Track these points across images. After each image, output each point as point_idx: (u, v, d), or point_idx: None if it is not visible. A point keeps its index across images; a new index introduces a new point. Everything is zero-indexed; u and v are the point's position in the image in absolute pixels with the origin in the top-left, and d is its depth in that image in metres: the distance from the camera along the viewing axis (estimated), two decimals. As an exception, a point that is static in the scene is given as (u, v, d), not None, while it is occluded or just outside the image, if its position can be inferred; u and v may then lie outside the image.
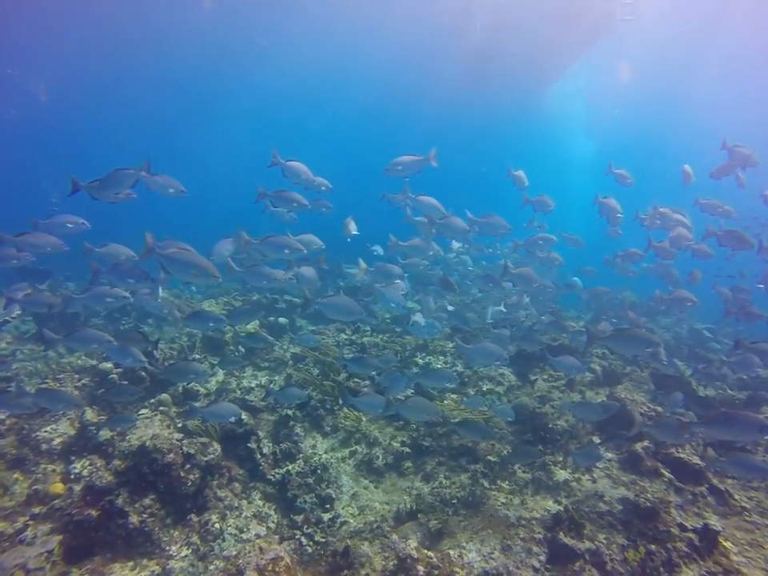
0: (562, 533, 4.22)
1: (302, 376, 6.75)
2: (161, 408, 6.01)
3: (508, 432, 6.05)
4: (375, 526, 4.52)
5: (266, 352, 7.79)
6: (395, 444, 5.88)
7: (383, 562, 3.88)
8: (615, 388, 6.38)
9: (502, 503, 4.83)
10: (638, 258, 8.08)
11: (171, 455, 4.66)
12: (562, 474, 5.25)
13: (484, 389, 7.11)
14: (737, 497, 4.95)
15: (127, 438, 4.99)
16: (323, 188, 6.06)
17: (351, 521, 4.88)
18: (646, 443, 5.31)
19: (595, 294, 9.31)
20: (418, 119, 36.32)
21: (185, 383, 6.27)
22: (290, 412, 6.02)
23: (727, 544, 4.35)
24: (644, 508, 4.50)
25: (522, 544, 4.14)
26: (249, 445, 5.46)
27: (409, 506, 4.83)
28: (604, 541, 4.28)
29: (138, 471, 4.57)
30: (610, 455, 5.45)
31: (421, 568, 3.73)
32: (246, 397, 6.41)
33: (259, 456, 5.43)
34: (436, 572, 3.72)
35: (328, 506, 5.07)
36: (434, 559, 3.86)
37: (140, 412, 5.88)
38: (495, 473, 5.34)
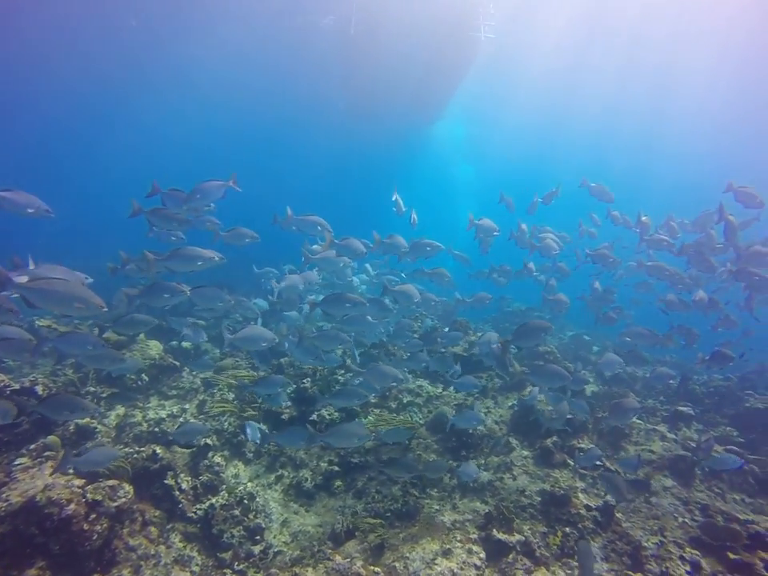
0: (494, 529, 4.51)
1: (218, 405, 6.29)
2: (46, 453, 5.12)
3: (432, 441, 6.30)
4: (316, 549, 4.36)
5: (173, 379, 7.11)
6: (323, 464, 5.75)
7: (330, 586, 3.77)
8: (523, 391, 7.05)
9: (436, 510, 5.01)
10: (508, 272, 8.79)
11: (72, 506, 3.99)
12: (485, 476, 5.60)
13: (404, 401, 7.31)
14: (626, 475, 5.76)
15: (3, 496, 4.15)
16: (206, 208, 5.70)
17: (285, 549, 4.65)
18: (554, 438, 5.93)
19: (478, 299, 9.49)
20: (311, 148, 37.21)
21: (68, 419, 5.40)
22: (208, 441, 5.56)
23: (618, 515, 5.05)
24: (558, 496, 5.02)
25: (461, 546, 4.33)
26: (165, 481, 4.92)
27: (345, 525, 4.75)
28: (529, 531, 4.68)
29: (20, 536, 3.81)
30: (525, 453, 5.97)
31: (370, 584, 3.70)
32: (157, 429, 5.77)
33: (178, 493, 4.92)
34: (385, 586, 3.71)
35: (258, 537, 4.78)
36: (382, 574, 3.85)
37: (16, 462, 4.93)
38: (424, 482, 5.50)
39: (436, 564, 4.08)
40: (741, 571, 4.22)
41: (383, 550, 4.43)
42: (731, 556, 4.40)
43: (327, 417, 6.19)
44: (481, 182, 47.43)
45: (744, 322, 8.52)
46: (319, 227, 5.74)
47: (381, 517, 4.89)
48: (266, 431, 5.82)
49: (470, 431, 6.17)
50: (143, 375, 7.06)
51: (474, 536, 4.53)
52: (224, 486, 5.17)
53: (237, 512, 4.88)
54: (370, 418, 6.59)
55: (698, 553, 4.58)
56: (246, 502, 5.01)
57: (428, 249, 6.03)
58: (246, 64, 25.06)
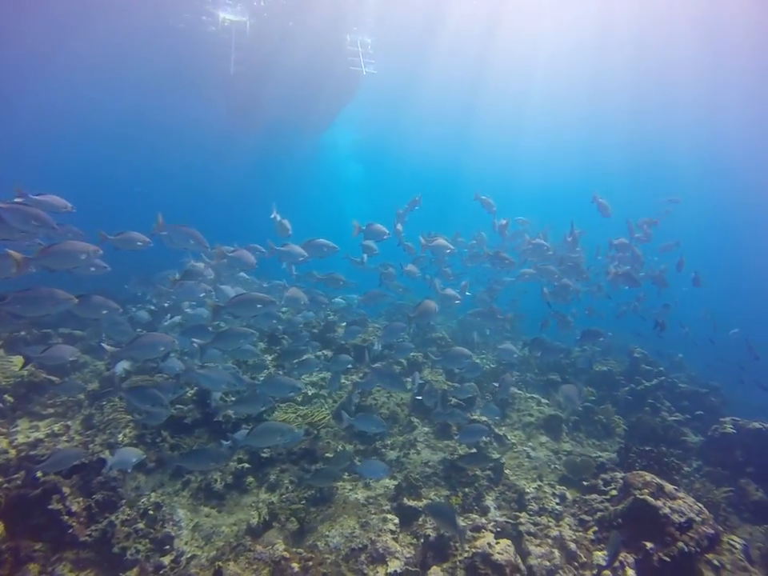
0: (405, 498, 4.94)
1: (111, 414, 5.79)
2: None
3: (341, 430, 6.55)
4: (235, 544, 4.33)
5: (49, 396, 6.31)
6: (232, 463, 5.64)
7: (254, 575, 3.82)
8: (422, 372, 7.67)
9: (350, 490, 5.28)
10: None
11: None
12: (392, 454, 6.04)
13: (309, 393, 7.45)
14: (510, 437, 6.67)
15: None
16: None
17: (200, 553, 4.54)
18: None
19: (371, 297, 9.84)
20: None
21: None
22: (102, 455, 5.11)
23: (507, 471, 5.86)
24: (477, 455, 5.65)
25: (376, 517, 4.66)
26: (50, 507, 4.43)
27: (262, 518, 4.79)
28: (435, 495, 5.21)
29: None
30: (426, 429, 6.55)
31: (295, 565, 3.84)
32: (34, 452, 5.12)
33: (66, 517, 4.46)
34: (310, 563, 3.88)
35: (167, 546, 4.57)
36: (305, 553, 4.01)
37: None
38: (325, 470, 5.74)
39: (355, 536, 4.36)
40: (590, 491, 5.31)
41: (304, 533, 4.58)
42: (584, 483, 5.47)
43: (233, 416, 6.09)
44: (371, 180, 49.49)
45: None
46: (192, 240, 5.38)
47: (297, 505, 5.00)
48: (168, 454, 5.49)
49: (375, 415, 6.56)
50: (6, 396, 6.17)
51: (387, 507, 4.91)
52: (124, 501, 4.81)
53: (141, 525, 4.62)
54: (277, 413, 6.61)
55: (564, 487, 5.55)
56: (151, 512, 4.76)
57: (324, 249, 6.13)
58: (127, 66, 23.83)
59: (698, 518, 4.24)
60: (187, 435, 5.89)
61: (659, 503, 4.35)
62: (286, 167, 39.13)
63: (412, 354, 8.16)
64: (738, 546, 4.48)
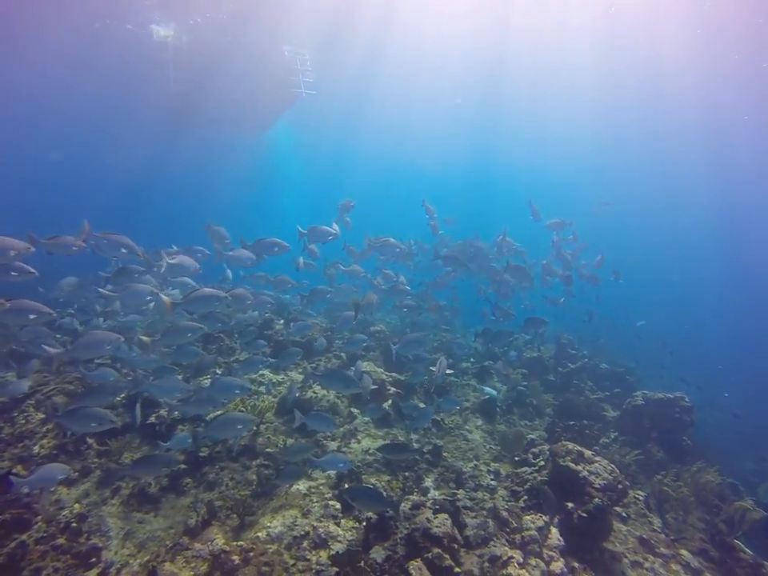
0: (347, 485, 5.00)
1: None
2: None
3: (279, 423, 6.49)
4: (170, 545, 4.17)
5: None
6: (167, 467, 5.42)
7: (192, 572, 3.72)
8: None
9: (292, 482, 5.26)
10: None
11: None
12: (333, 445, 6.08)
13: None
14: (447, 422, 6.95)
15: None
16: None
17: (131, 561, 4.32)
18: (390, 401, 6.75)
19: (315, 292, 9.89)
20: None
21: None
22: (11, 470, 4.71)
23: (446, 454, 6.11)
24: (398, 445, 5.80)
25: (318, 504, 4.69)
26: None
27: (201, 517, 4.64)
28: (376, 480, 5.32)
29: None
30: (366, 419, 6.64)
31: (236, 557, 3.78)
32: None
33: (-34, 541, 4.07)
34: (251, 554, 3.84)
35: (93, 559, 4.31)
36: (245, 545, 3.96)
37: None
38: (276, 462, 5.69)
39: (297, 525, 4.36)
40: (521, 465, 5.68)
41: (245, 527, 4.50)
42: (516, 458, 5.84)
43: (167, 416, 5.85)
44: (311, 178, 49.36)
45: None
46: (124, 249, 5.02)
47: (237, 502, 4.90)
48: (114, 467, 5.20)
49: (315, 407, 6.58)
50: None
51: (329, 495, 4.95)
52: (39, 518, 4.46)
53: (61, 540, 4.31)
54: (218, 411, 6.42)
55: (498, 464, 5.89)
56: (74, 525, 4.45)
57: (275, 248, 6.11)
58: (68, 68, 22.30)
59: (610, 477, 4.69)
60: (116, 440, 5.57)
61: (579, 467, 4.76)
62: (226, 171, 39.25)
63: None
64: (641, 497, 5.01)
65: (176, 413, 5.77)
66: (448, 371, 7.51)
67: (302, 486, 5.16)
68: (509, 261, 8.20)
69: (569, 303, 11.42)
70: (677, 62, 22.21)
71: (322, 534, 4.20)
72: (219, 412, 5.82)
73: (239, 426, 4.36)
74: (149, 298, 5.43)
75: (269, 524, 4.42)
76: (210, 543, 3.92)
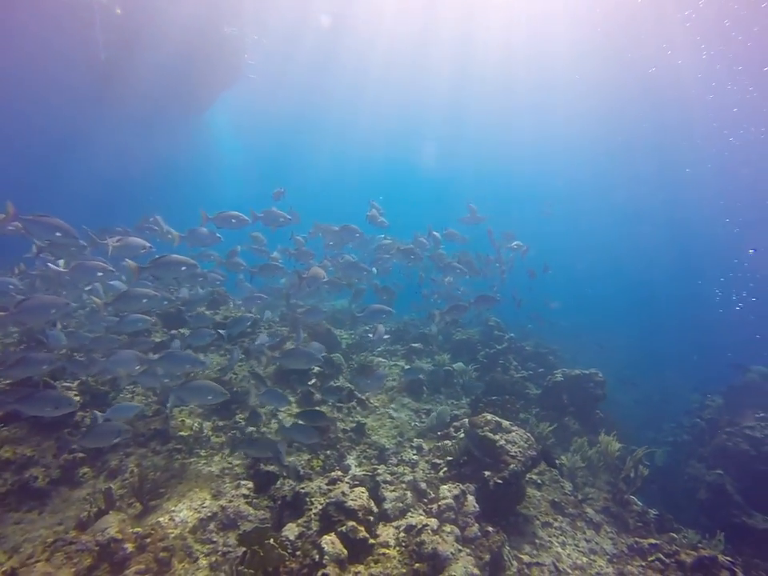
0: (262, 464, 4.77)
1: None
2: None
3: (196, 406, 6.10)
4: (49, 542, 3.72)
5: None
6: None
7: (73, 569, 3.33)
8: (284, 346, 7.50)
9: (204, 463, 4.94)
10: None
11: None
12: (251, 429, 5.80)
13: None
14: (372, 401, 6.88)
15: None
16: None
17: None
18: (314, 380, 6.55)
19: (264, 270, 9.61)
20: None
21: None
22: None
23: (370, 432, 6.05)
24: (317, 428, 5.64)
25: (229, 484, 4.42)
26: None
27: (95, 508, 4.21)
28: (296, 459, 5.13)
29: None
30: (291, 398, 6.41)
31: (129, 545, 3.44)
32: None
33: None
34: (148, 540, 3.52)
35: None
36: (143, 531, 3.62)
37: None
38: (190, 444, 5.33)
39: (204, 507, 4.08)
40: (443, 438, 5.74)
41: (148, 512, 4.14)
42: (438, 433, 5.90)
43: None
44: (248, 157, 47.74)
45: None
46: (59, 232, 4.71)
47: (141, 489, 4.51)
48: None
49: (234, 388, 6.26)
50: None
51: (244, 474, 4.69)
52: None
53: None
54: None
55: (421, 440, 5.92)
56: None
57: (233, 221, 6.11)
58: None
59: (525, 444, 4.84)
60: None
61: (497, 437, 4.86)
62: (163, 151, 36.77)
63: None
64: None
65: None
66: (385, 336, 7.66)
67: (215, 467, 4.85)
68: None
69: (502, 291, 11.97)
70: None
71: (231, 515, 3.95)
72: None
73: (209, 396, 4.32)
74: (99, 274, 5.24)
75: (173, 508, 4.09)
76: (100, 533, 3.54)
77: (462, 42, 24.07)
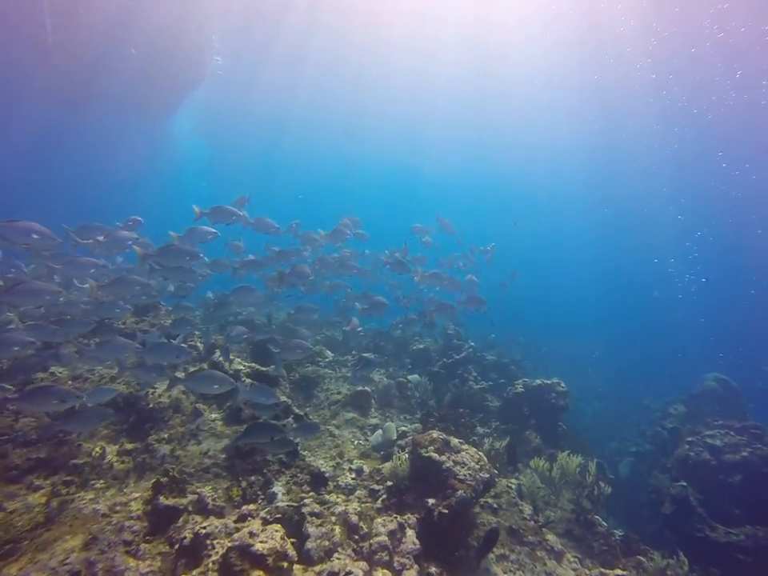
0: (163, 497, 3.92)
1: None
2: None
3: (111, 423, 5.18)
4: None
5: None
6: None
7: None
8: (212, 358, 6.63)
9: (91, 499, 4.04)
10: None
11: None
12: (166, 448, 4.92)
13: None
14: (313, 417, 6.11)
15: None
16: None
17: None
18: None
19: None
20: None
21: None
22: None
23: (305, 452, 5.27)
24: (243, 449, 4.83)
25: (111, 528, 3.55)
26: None
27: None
28: (209, 489, 4.30)
29: None
30: (214, 416, 5.55)
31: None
32: None
33: None
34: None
35: None
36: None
37: None
38: (85, 475, 4.42)
39: (66, 564, 3.19)
40: (387, 459, 5.01)
41: (-11, 573, 3.21)
42: (381, 453, 5.18)
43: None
44: (211, 156, 46.68)
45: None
46: (36, 235, 4.67)
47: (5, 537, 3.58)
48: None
49: (150, 405, 5.37)
50: None
51: (136, 512, 3.83)
52: None
53: None
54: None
55: (363, 462, 5.19)
56: None
57: (208, 236, 5.89)
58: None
59: (476, 466, 4.20)
60: None
61: (443, 458, 4.20)
62: (125, 152, 36.26)
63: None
64: (513, 486, 4.60)
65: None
66: (358, 329, 7.86)
67: (102, 504, 3.96)
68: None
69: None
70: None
71: (100, 572, 3.09)
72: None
73: (215, 386, 4.32)
74: (92, 270, 5.44)
75: (28, 563, 3.19)
76: None
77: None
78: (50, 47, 18.40)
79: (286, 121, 35.62)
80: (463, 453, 4.33)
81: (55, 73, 20.30)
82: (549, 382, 7.86)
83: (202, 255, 5.49)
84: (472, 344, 10.90)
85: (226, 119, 34.37)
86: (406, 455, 4.63)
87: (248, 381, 5.93)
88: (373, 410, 6.94)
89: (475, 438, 6.60)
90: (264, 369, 6.24)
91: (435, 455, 4.19)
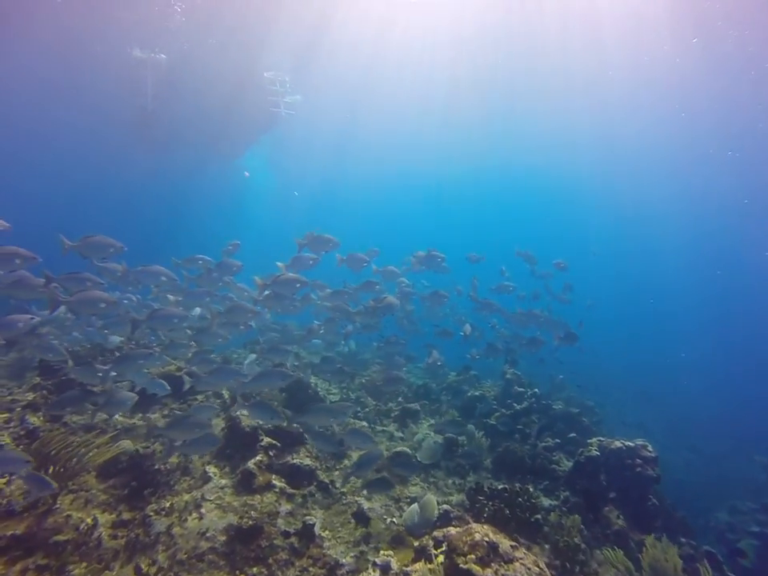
0: (133, 601, 3.19)
1: None
2: None
3: (110, 486, 4.65)
4: None
5: None
6: None
7: None
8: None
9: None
10: None
11: None
12: (163, 523, 4.25)
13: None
14: (339, 485, 5.20)
15: None
16: None
17: None
18: (260, 457, 4.98)
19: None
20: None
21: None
22: None
23: (324, 534, 4.37)
24: (246, 529, 4.04)
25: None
26: None
27: None
28: (196, 586, 3.52)
29: None
30: (224, 481, 4.84)
31: None
32: None
33: None
34: None
35: None
36: None
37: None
38: (63, 557, 3.84)
39: None
40: (419, 555, 3.92)
41: None
42: (416, 545, 4.11)
43: None
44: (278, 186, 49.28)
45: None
46: (18, 260, 4.71)
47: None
48: None
49: (156, 466, 4.78)
50: None
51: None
52: None
53: None
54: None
55: (392, 551, 4.17)
56: None
57: (311, 263, 6.40)
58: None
59: (534, 588, 3.06)
60: None
61: (487, 572, 3.12)
62: (201, 194, 39.56)
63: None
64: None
65: None
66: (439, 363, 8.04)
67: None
68: None
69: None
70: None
71: None
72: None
73: (280, 381, 4.68)
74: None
75: None
76: None
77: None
78: (150, 111, 21.35)
79: (350, 147, 36.31)
80: (516, 564, 3.21)
81: (150, 130, 23.09)
82: (631, 444, 6.37)
83: (307, 281, 6.05)
84: (536, 390, 9.51)
85: (293, 149, 35.52)
86: (441, 563, 3.57)
87: (266, 440, 5.17)
88: (414, 473, 5.90)
89: (538, 516, 5.31)
90: (289, 426, 5.48)
91: (476, 568, 3.11)
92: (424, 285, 12.65)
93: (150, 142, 24.82)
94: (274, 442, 5.15)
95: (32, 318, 4.76)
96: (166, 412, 6.05)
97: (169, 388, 5.50)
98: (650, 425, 14.65)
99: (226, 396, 6.51)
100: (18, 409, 5.35)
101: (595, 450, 6.46)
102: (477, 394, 8.98)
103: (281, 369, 5.06)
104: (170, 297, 6.69)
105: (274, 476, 4.89)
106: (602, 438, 6.85)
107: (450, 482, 6.24)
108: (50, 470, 4.15)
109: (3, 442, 4.72)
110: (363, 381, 9.15)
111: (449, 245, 12.30)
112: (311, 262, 6.51)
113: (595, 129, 29.12)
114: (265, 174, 41.92)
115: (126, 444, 4.99)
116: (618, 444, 6.34)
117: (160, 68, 19.64)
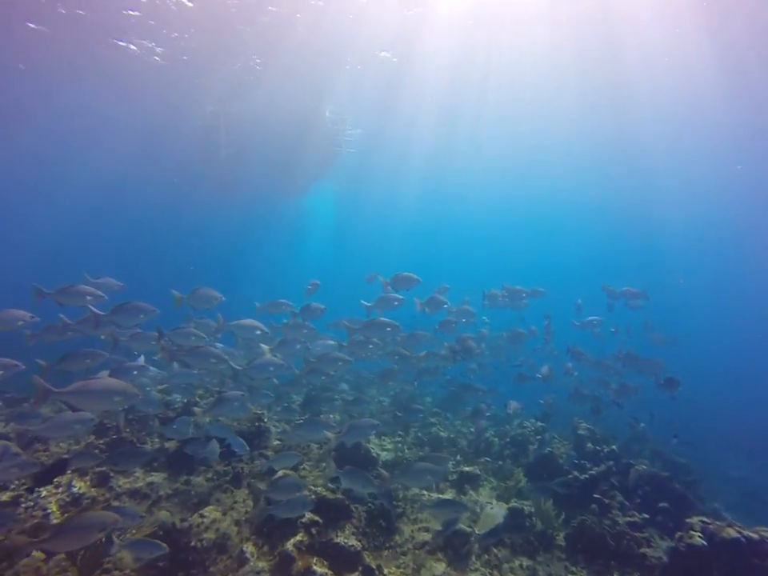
0: None
1: None
2: None
3: (146, 565, 4.36)
4: None
5: None
6: None
7: None
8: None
9: None
10: None
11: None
12: None
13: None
14: (386, 570, 4.58)
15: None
16: None
17: None
18: (299, 537, 4.50)
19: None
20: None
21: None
22: None
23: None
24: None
25: None
26: None
27: None
28: None
29: None
30: (261, 564, 4.39)
31: None
32: None
33: None
34: None
35: None
36: None
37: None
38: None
39: None
40: None
41: None
42: None
43: None
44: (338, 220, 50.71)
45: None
46: (141, 315, 5.13)
47: None
48: None
49: (193, 543, 4.44)
50: None
51: None
52: None
53: None
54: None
55: None
56: None
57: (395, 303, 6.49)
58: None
59: None
60: None
61: None
62: (267, 233, 43.03)
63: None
64: None
65: None
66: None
67: None
68: None
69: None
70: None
71: None
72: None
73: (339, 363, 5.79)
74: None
75: None
76: None
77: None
78: (223, 158, 22.89)
79: (405, 176, 36.19)
80: None
81: (217, 172, 24.61)
82: (754, 536, 5.10)
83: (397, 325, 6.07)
84: (614, 447, 8.32)
85: (352, 182, 35.97)
86: None
87: (308, 517, 4.70)
88: (474, 557, 5.14)
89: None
90: (334, 497, 4.97)
91: None
92: (485, 321, 11.88)
93: (219, 185, 26.44)
94: (317, 518, 4.64)
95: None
96: (210, 475, 5.79)
97: (248, 448, 5.40)
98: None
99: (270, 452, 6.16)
100: (69, 473, 5.29)
101: (699, 536, 5.30)
102: (544, 452, 8.00)
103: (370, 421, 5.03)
104: (264, 346, 6.66)
105: (315, 559, 4.38)
106: (705, 520, 5.66)
107: (518, 564, 5.38)
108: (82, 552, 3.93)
109: (50, 511, 4.63)
110: (420, 434, 8.50)
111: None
112: (396, 303, 6.40)
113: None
114: (328, 208, 43.24)
115: (164, 515, 4.73)
116: (732, 532, 5.14)
117: (231, 118, 20.94)
